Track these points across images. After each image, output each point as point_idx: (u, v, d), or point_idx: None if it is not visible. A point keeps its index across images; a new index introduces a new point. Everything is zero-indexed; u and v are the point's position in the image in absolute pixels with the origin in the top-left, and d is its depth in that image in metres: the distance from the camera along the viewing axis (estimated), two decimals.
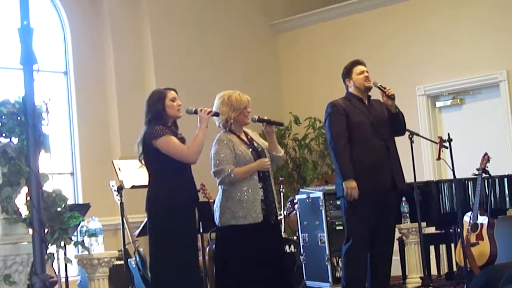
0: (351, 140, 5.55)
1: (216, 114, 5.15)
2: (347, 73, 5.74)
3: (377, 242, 5.57)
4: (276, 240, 5.34)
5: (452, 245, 7.78)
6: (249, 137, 5.34)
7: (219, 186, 5.20)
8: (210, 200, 6.79)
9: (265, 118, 5.31)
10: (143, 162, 5.06)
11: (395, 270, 7.83)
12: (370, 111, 5.65)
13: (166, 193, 4.95)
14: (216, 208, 5.18)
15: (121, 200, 6.66)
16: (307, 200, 7.34)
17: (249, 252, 5.04)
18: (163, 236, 4.95)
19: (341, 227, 6.80)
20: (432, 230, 8.07)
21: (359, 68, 5.73)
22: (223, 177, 5.07)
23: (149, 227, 5.05)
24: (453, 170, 6.55)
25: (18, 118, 3.68)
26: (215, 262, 5.28)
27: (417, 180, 6.76)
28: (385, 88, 5.66)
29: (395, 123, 5.70)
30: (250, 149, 5.20)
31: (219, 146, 5.15)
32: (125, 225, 6.76)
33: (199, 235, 5.85)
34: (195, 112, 5.07)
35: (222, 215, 5.11)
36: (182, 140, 5.12)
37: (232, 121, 5.20)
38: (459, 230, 7.06)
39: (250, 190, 5.10)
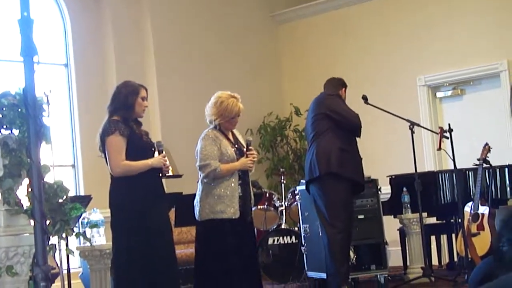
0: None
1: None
2: (344, 85, 6.22)
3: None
4: (251, 236, 5.48)
5: (453, 235, 7.80)
6: (235, 136, 5.46)
7: (199, 182, 5.30)
8: None
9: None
10: (102, 155, 4.98)
11: (396, 260, 7.85)
12: None
13: (123, 188, 4.88)
14: (196, 203, 5.30)
15: None
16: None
17: (226, 244, 5.15)
18: (122, 231, 4.85)
19: None
20: (433, 220, 8.08)
21: None
22: (209, 172, 5.17)
23: (110, 222, 4.93)
24: (453, 160, 6.55)
25: (19, 109, 3.69)
26: (195, 255, 5.33)
27: (418, 170, 6.77)
28: None
29: None
30: (234, 149, 5.32)
31: (206, 142, 5.25)
32: None
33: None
34: (161, 152, 4.97)
35: (202, 210, 5.24)
36: (146, 134, 5.06)
37: (218, 124, 5.31)
38: (460, 220, 7.06)
39: (230, 187, 5.22)
